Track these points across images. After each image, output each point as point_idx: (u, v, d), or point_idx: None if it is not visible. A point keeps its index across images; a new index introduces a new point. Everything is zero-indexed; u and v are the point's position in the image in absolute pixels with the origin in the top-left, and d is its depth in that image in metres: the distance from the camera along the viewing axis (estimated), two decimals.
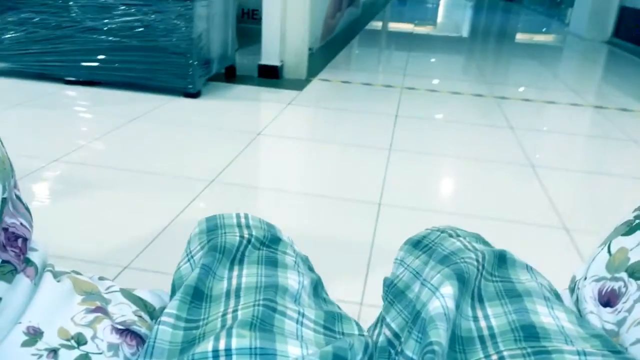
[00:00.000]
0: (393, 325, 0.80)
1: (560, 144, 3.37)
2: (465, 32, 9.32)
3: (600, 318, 0.79)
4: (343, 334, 0.77)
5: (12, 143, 2.68)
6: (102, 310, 0.73)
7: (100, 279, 0.84)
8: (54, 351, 0.65)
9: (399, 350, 0.75)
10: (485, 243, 0.98)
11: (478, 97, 4.31)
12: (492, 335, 0.75)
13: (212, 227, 0.91)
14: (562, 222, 2.21)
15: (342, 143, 3.10)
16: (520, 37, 9.00)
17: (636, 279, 0.77)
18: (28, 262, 0.72)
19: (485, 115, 3.82)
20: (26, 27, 3.70)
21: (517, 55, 6.94)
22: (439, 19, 11.23)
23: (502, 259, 0.90)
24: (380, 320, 0.84)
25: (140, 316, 0.76)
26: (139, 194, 2.25)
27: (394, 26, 9.37)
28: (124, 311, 0.75)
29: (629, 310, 0.74)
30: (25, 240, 0.72)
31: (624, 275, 0.79)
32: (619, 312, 0.77)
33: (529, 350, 0.67)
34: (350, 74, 5.04)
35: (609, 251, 0.85)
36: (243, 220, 0.94)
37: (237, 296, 0.78)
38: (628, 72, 6.01)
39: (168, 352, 0.70)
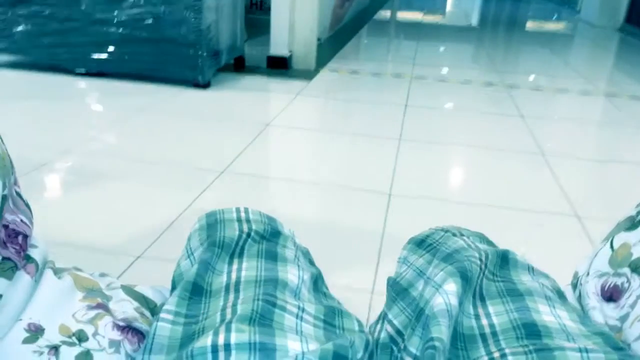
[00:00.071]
0: (395, 322, 0.80)
1: (571, 132, 3.35)
2: (474, 21, 9.23)
3: (603, 314, 0.79)
4: (343, 329, 0.77)
5: (23, 135, 2.72)
6: (103, 307, 0.72)
7: (102, 275, 0.83)
8: (55, 348, 0.64)
9: (402, 347, 0.75)
10: (489, 243, 0.98)
11: (488, 86, 4.28)
12: (494, 333, 0.75)
13: (212, 223, 0.91)
14: (574, 209, 2.20)
15: (351, 133, 3.10)
16: (530, 25, 8.89)
17: (639, 274, 0.76)
18: (28, 258, 0.72)
19: (496, 104, 3.79)
20: (37, 20, 3.71)
21: (527, 44, 6.87)
22: (448, 7, 11.12)
23: (504, 259, 0.90)
24: (382, 317, 0.84)
25: (141, 313, 0.76)
26: (150, 184, 2.27)
27: (402, 15, 9.30)
28: (125, 308, 0.75)
29: (632, 306, 0.74)
30: (25, 237, 0.72)
31: (627, 270, 0.79)
32: (622, 307, 0.76)
33: (531, 347, 0.67)
34: (359, 63, 5.01)
35: (611, 247, 0.85)
36: (243, 215, 0.93)
37: (237, 290, 0.78)
38: None
39: (167, 347, 0.70)
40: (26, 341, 0.63)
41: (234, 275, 0.81)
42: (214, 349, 0.63)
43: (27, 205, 0.79)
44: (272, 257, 0.86)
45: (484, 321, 0.77)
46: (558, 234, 2.04)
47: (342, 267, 1.74)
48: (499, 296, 0.82)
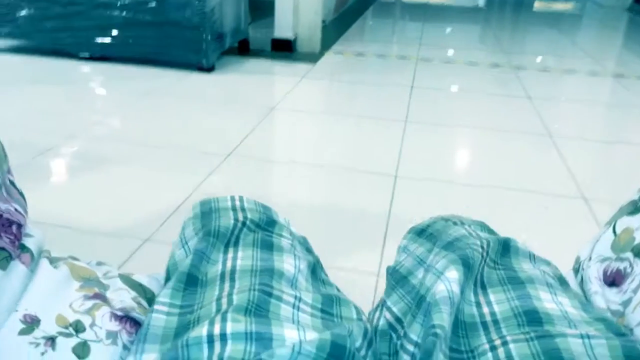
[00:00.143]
0: (394, 309, 0.80)
1: (578, 113, 3.32)
2: (481, 1, 9.11)
3: (606, 298, 0.79)
4: (341, 317, 0.76)
5: (27, 120, 2.72)
6: (100, 297, 0.71)
7: (99, 264, 0.82)
8: (51, 339, 0.63)
9: (402, 334, 0.75)
10: (490, 231, 0.97)
11: (495, 67, 4.23)
12: (495, 321, 0.74)
13: (207, 212, 0.89)
14: (581, 191, 2.19)
15: (357, 115, 3.08)
16: (538, 5, 8.77)
17: None
18: (23, 248, 0.71)
19: (503, 85, 3.76)
20: (40, 4, 3.70)
21: (535, 24, 6.78)
22: None
23: (506, 247, 0.89)
24: (381, 305, 0.83)
25: (139, 302, 0.75)
26: (156, 168, 2.27)
27: None
28: (122, 297, 0.74)
29: (635, 291, 0.74)
30: (19, 226, 0.71)
31: (629, 255, 0.78)
32: (625, 292, 0.76)
33: (532, 334, 0.67)
34: (365, 45, 4.97)
35: (614, 231, 0.84)
36: (238, 203, 0.92)
37: (232, 279, 0.77)
38: None
39: (162, 337, 0.69)
40: (22, 332, 0.62)
41: (229, 264, 0.80)
42: (210, 338, 0.62)
43: (21, 194, 0.78)
44: (268, 246, 0.85)
45: (485, 309, 0.77)
46: (565, 216, 2.03)
47: (348, 250, 1.75)
48: (500, 284, 0.81)
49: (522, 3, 8.87)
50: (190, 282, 0.78)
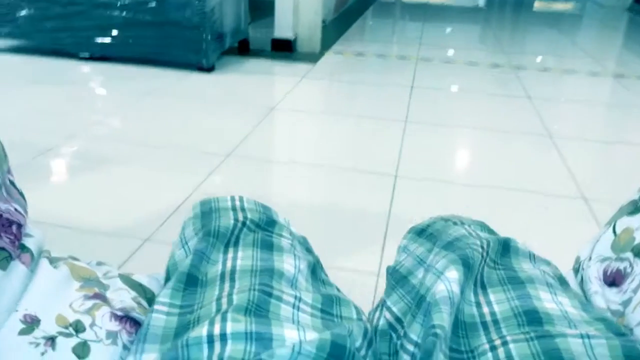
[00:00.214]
0: (394, 309, 0.80)
1: (578, 113, 3.32)
2: (481, 1, 9.11)
3: (606, 298, 0.79)
4: (341, 317, 0.76)
5: (28, 120, 2.72)
6: (100, 297, 0.71)
7: (99, 264, 0.82)
8: (51, 339, 0.63)
9: (402, 334, 0.74)
10: (490, 231, 0.97)
11: (495, 67, 4.23)
12: (495, 321, 0.74)
13: (207, 212, 0.89)
14: (581, 191, 2.19)
15: (357, 115, 3.08)
16: (538, 5, 8.77)
17: None
18: (23, 248, 0.71)
19: (503, 85, 3.76)
20: (40, 4, 3.70)
21: (535, 24, 6.78)
22: None
23: (506, 247, 0.89)
24: (381, 305, 0.83)
25: (139, 302, 0.75)
26: (156, 168, 2.27)
27: None
28: (122, 297, 0.74)
29: (635, 291, 0.74)
30: (19, 226, 0.70)
31: (629, 255, 0.78)
32: (625, 292, 0.76)
33: (532, 334, 0.67)
34: (365, 45, 4.97)
35: (614, 231, 0.84)
36: (238, 203, 0.92)
37: (232, 279, 0.77)
38: None
39: (162, 337, 0.69)
40: (22, 332, 0.62)
41: (229, 264, 0.80)
42: (210, 338, 0.62)
43: (21, 194, 0.78)
44: (268, 246, 0.85)
45: (485, 309, 0.77)
46: (565, 216, 2.03)
47: (348, 250, 1.75)
48: (500, 284, 0.81)
49: (522, 3, 8.87)
50: (190, 282, 0.78)
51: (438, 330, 0.67)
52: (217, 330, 0.63)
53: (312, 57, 4.26)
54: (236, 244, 0.85)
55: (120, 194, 2.04)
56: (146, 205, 1.95)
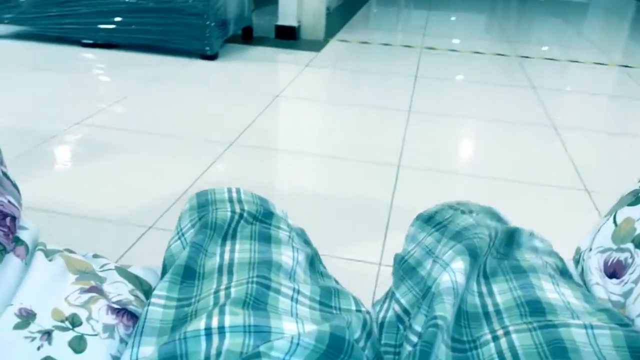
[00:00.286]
0: (403, 301, 0.79)
1: (583, 104, 3.30)
2: None
3: (606, 289, 0.79)
4: (340, 309, 0.76)
5: (32, 107, 2.72)
6: (97, 290, 0.70)
7: (95, 256, 0.81)
8: (47, 333, 0.62)
9: (408, 325, 0.74)
10: (499, 218, 0.96)
11: (500, 57, 4.21)
12: (498, 312, 0.74)
13: (203, 203, 0.89)
14: (584, 183, 2.19)
15: (360, 104, 3.08)
16: None
17: None
18: (18, 241, 0.70)
19: (507, 75, 3.74)
20: None
21: (541, 13, 6.72)
22: None
23: (510, 237, 0.88)
24: (390, 296, 0.83)
25: (136, 295, 0.74)
26: (160, 156, 2.28)
27: None
28: (119, 290, 0.73)
29: (636, 282, 0.73)
30: (14, 218, 0.69)
31: (630, 246, 0.78)
32: (625, 283, 0.76)
33: (535, 325, 0.67)
34: (369, 34, 4.94)
35: (614, 222, 0.84)
36: (235, 195, 0.91)
37: (230, 272, 0.77)
38: None
39: (159, 330, 0.68)
40: (17, 327, 0.61)
41: (226, 257, 0.80)
42: (208, 331, 0.62)
43: (15, 186, 0.77)
44: (266, 238, 0.85)
45: (488, 300, 0.77)
46: (567, 208, 2.03)
47: (349, 240, 1.75)
48: (503, 273, 0.81)
49: None
50: (188, 274, 0.77)
51: (439, 321, 0.67)
52: (215, 323, 0.63)
53: (316, 45, 4.24)
54: (234, 236, 0.84)
55: (124, 182, 2.05)
56: (150, 192, 1.96)
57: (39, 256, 0.71)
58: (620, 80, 3.83)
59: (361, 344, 0.67)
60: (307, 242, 0.93)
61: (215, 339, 0.61)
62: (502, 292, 0.77)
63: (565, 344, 0.63)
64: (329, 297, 0.78)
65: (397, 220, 1.86)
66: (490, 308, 0.75)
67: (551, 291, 0.75)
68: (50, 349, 0.61)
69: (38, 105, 2.74)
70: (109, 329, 0.66)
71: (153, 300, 0.72)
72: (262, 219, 0.89)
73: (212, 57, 3.70)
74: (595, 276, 0.82)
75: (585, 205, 2.03)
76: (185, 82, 3.25)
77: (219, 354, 0.60)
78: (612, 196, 0.94)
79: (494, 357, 0.66)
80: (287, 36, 4.33)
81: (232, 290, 0.71)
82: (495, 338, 0.68)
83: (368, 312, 0.78)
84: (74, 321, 0.65)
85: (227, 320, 0.63)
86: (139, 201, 1.90)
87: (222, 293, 0.71)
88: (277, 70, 3.80)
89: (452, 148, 2.59)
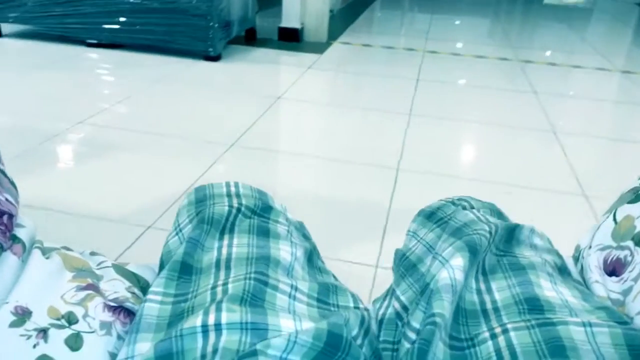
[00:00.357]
0: (403, 298, 0.79)
1: (584, 109, 3.30)
2: None
3: (606, 287, 0.78)
4: (338, 306, 0.76)
5: (35, 106, 2.74)
6: (93, 288, 0.70)
7: (92, 254, 0.81)
8: (43, 331, 0.62)
9: (406, 321, 0.74)
10: (500, 214, 0.95)
11: (502, 61, 4.21)
12: (496, 309, 0.74)
13: (201, 198, 0.88)
14: (582, 189, 2.19)
15: (362, 107, 3.08)
16: None
17: None
18: (15, 239, 0.69)
19: (509, 80, 3.75)
20: None
21: (544, 18, 6.73)
22: None
23: (511, 234, 0.88)
24: (390, 293, 0.82)
25: (133, 292, 0.74)
26: (161, 156, 2.29)
27: None
28: (116, 287, 0.73)
29: (635, 280, 0.73)
30: (11, 216, 0.69)
31: (630, 243, 0.78)
32: (625, 281, 0.75)
33: (533, 322, 0.67)
34: (372, 36, 4.95)
35: (614, 219, 0.84)
36: (233, 189, 0.90)
37: (228, 267, 0.76)
38: None
39: (156, 326, 0.68)
40: (13, 325, 0.61)
41: (224, 252, 0.79)
42: (204, 328, 0.62)
43: (13, 184, 0.76)
44: (264, 233, 0.84)
45: (486, 297, 0.76)
46: (565, 212, 2.03)
47: (347, 241, 1.76)
48: (501, 270, 0.81)
49: None
50: (184, 270, 0.77)
51: (437, 319, 0.67)
52: (211, 320, 0.62)
53: (319, 47, 4.26)
54: (231, 230, 0.84)
55: (124, 181, 2.06)
56: (150, 192, 1.97)
57: (36, 254, 0.71)
58: (622, 87, 3.83)
59: (359, 341, 0.67)
60: (305, 237, 0.93)
61: (212, 336, 0.61)
62: (501, 290, 0.77)
63: (564, 342, 0.63)
64: (326, 294, 0.77)
65: (395, 223, 1.86)
66: (489, 305, 0.75)
67: (549, 289, 0.75)
68: (46, 346, 0.61)
69: (41, 104, 2.76)
70: (106, 326, 0.66)
71: (150, 296, 0.72)
72: (260, 213, 0.88)
73: (215, 58, 3.71)
74: (595, 274, 0.82)
75: (583, 211, 2.03)
76: (188, 83, 3.27)
77: (215, 351, 0.60)
78: (611, 202, 0.95)
79: (491, 356, 0.65)
80: (290, 38, 4.34)
81: (230, 286, 0.71)
82: (493, 336, 0.68)
83: (366, 309, 0.77)
84: (70, 319, 0.65)
85: (224, 317, 0.63)
86: (139, 201, 1.91)
87: (219, 289, 0.71)
88: (279, 72, 3.81)
89: (451, 152, 2.59)
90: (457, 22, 6.09)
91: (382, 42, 4.68)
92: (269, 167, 2.31)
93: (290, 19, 4.32)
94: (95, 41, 3.81)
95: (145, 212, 1.83)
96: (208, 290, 0.72)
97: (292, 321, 0.66)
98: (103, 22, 3.72)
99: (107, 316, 0.67)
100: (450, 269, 0.73)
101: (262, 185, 0.98)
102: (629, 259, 0.77)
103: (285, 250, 0.82)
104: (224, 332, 0.61)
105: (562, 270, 0.85)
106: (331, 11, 4.87)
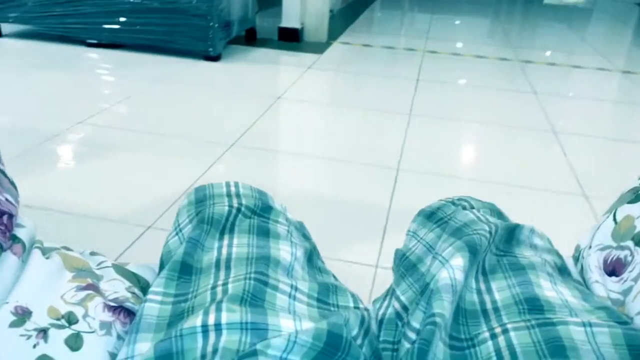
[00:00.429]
0: (403, 298, 0.79)
1: (584, 109, 3.30)
2: None
3: (606, 287, 0.78)
4: (338, 306, 0.76)
5: (35, 105, 2.74)
6: (93, 288, 0.70)
7: (92, 254, 0.81)
8: (43, 331, 0.62)
9: (406, 321, 0.74)
10: (500, 214, 0.95)
11: (502, 61, 4.21)
12: (496, 309, 0.74)
13: (201, 198, 0.88)
14: (582, 189, 2.19)
15: (362, 107, 3.08)
16: None
17: None
18: (15, 239, 0.69)
19: (509, 80, 3.75)
20: None
21: (544, 18, 6.73)
22: None
23: (511, 233, 0.88)
24: (390, 293, 0.82)
25: (133, 292, 0.74)
26: (161, 156, 2.29)
27: None
28: (116, 287, 0.73)
29: (635, 280, 0.73)
30: (11, 216, 0.69)
31: (630, 243, 0.78)
32: (625, 281, 0.75)
33: (533, 322, 0.66)
34: (372, 37, 4.95)
35: (614, 219, 0.83)
36: (233, 189, 0.90)
37: (228, 267, 0.76)
38: None
39: (156, 326, 0.68)
40: (13, 325, 0.61)
41: (224, 251, 0.79)
42: (204, 328, 0.61)
43: (13, 184, 0.76)
44: (264, 233, 0.84)
45: (486, 297, 0.76)
46: (565, 213, 2.03)
47: (347, 242, 1.76)
48: (501, 270, 0.81)
49: None
50: (184, 270, 0.77)
51: (437, 319, 0.67)
52: (211, 320, 0.62)
53: (319, 47, 4.26)
54: (231, 230, 0.84)
55: (124, 181, 2.06)
56: (150, 192, 1.97)
57: (36, 254, 0.71)
58: (622, 87, 3.83)
59: (359, 341, 0.67)
60: (305, 236, 0.93)
61: (212, 336, 0.61)
62: (501, 290, 0.77)
63: (564, 342, 0.63)
64: (326, 294, 0.77)
65: (395, 223, 1.86)
66: (489, 305, 0.75)
67: (549, 289, 0.75)
68: (46, 346, 0.61)
69: (41, 104, 2.76)
70: (106, 326, 0.66)
71: (149, 296, 0.72)
72: (260, 213, 0.88)
73: (215, 58, 3.71)
74: (595, 274, 0.82)
75: (583, 211, 2.03)
76: (188, 83, 3.27)
77: (215, 351, 0.60)
78: (611, 202, 0.95)
79: (491, 356, 0.65)
80: (290, 38, 4.35)
81: (230, 286, 0.71)
82: (493, 336, 0.68)
83: (366, 309, 0.77)
84: (70, 319, 0.65)
85: (224, 317, 0.63)
86: (139, 201, 1.92)
87: (219, 289, 0.71)
88: (279, 72, 3.81)
89: (451, 152, 2.59)
90: (457, 22, 6.09)
91: (382, 42, 4.68)
92: (269, 167, 2.31)
93: (290, 19, 4.32)
94: (95, 41, 3.81)
95: (145, 212, 1.83)
96: (208, 290, 0.72)
97: (292, 321, 0.66)
98: (103, 22, 3.72)
99: (107, 316, 0.67)
100: (450, 269, 0.73)
101: (262, 185, 0.98)
102: (629, 259, 0.77)
103: (285, 250, 0.82)
104: (224, 332, 0.61)
105: (562, 270, 0.85)
106: (331, 11, 4.87)
